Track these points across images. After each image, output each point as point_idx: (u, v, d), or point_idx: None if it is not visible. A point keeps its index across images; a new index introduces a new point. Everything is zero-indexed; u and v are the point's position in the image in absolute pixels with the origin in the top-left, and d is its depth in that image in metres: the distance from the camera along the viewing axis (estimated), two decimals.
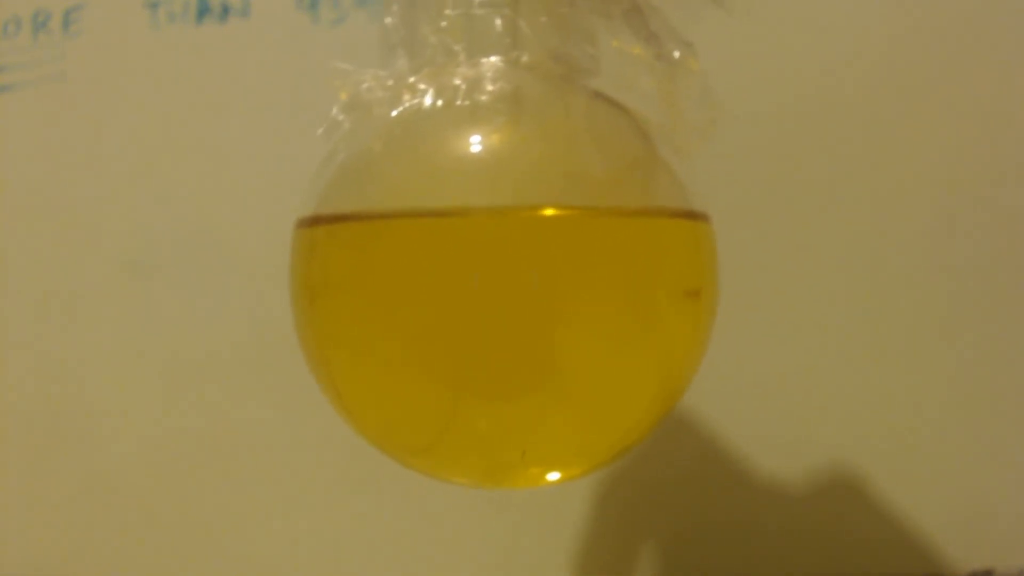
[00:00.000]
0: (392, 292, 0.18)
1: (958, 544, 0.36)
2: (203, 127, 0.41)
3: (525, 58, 0.18)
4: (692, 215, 0.19)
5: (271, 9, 0.41)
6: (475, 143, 0.18)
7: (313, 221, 0.20)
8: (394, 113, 0.19)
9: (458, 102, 0.18)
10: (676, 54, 0.18)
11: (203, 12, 0.41)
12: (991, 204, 0.36)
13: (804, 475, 0.37)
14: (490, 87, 0.18)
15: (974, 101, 0.37)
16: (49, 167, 0.42)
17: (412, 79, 0.19)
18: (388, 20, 0.19)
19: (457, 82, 0.18)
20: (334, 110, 0.19)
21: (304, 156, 0.39)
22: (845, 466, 0.37)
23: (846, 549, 0.37)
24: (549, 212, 0.18)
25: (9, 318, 0.42)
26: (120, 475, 0.41)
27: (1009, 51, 0.36)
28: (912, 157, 0.37)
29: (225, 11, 0.41)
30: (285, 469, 0.40)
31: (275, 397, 0.39)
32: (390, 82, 0.19)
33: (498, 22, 0.18)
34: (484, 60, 0.19)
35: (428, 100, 0.18)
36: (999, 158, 0.36)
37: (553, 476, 0.21)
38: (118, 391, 0.41)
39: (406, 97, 0.19)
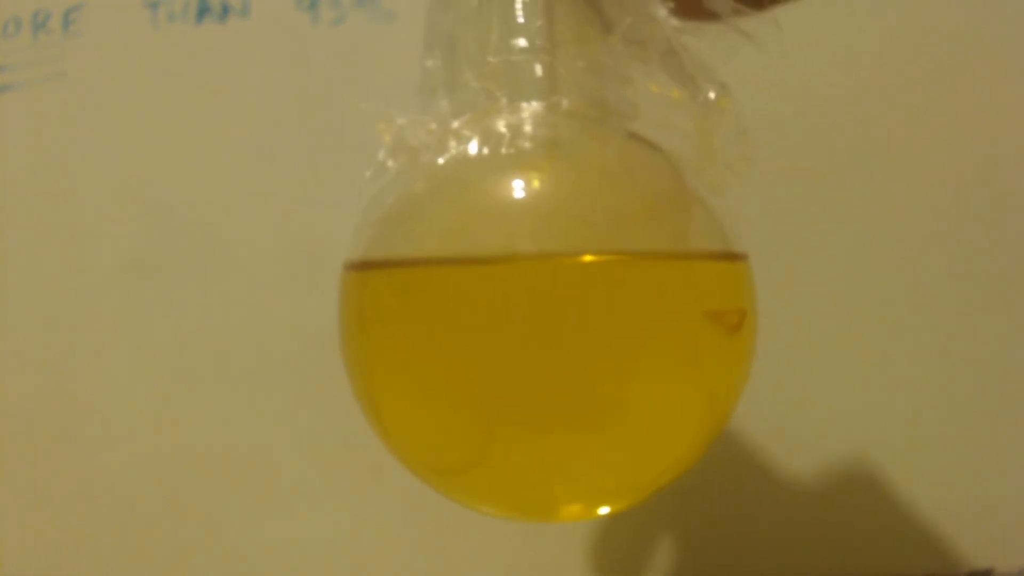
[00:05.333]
0: (439, 334, 0.19)
1: (958, 544, 0.37)
2: (203, 126, 0.41)
3: (565, 103, 0.19)
4: (731, 256, 0.20)
5: (271, 9, 0.41)
6: (518, 189, 0.19)
7: (364, 265, 0.20)
8: (441, 160, 0.19)
9: (503, 149, 0.19)
10: (711, 95, 0.18)
11: (203, 12, 0.41)
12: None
13: (809, 479, 0.37)
14: (532, 133, 0.18)
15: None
16: (49, 167, 0.42)
17: (456, 124, 0.19)
18: (429, 63, 0.19)
19: (502, 129, 0.18)
20: (380, 154, 0.19)
21: (304, 157, 0.40)
22: (848, 468, 0.37)
23: (847, 549, 0.37)
24: (591, 258, 0.18)
25: (9, 319, 0.42)
26: (121, 476, 0.41)
27: None
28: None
29: (225, 11, 0.41)
30: (289, 472, 0.40)
31: (277, 400, 0.40)
32: (433, 126, 0.19)
33: (538, 68, 0.19)
34: (525, 105, 0.19)
35: (473, 146, 0.19)
36: None
37: (599, 511, 0.21)
38: (119, 393, 0.41)
39: (451, 143, 0.19)
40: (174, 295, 0.40)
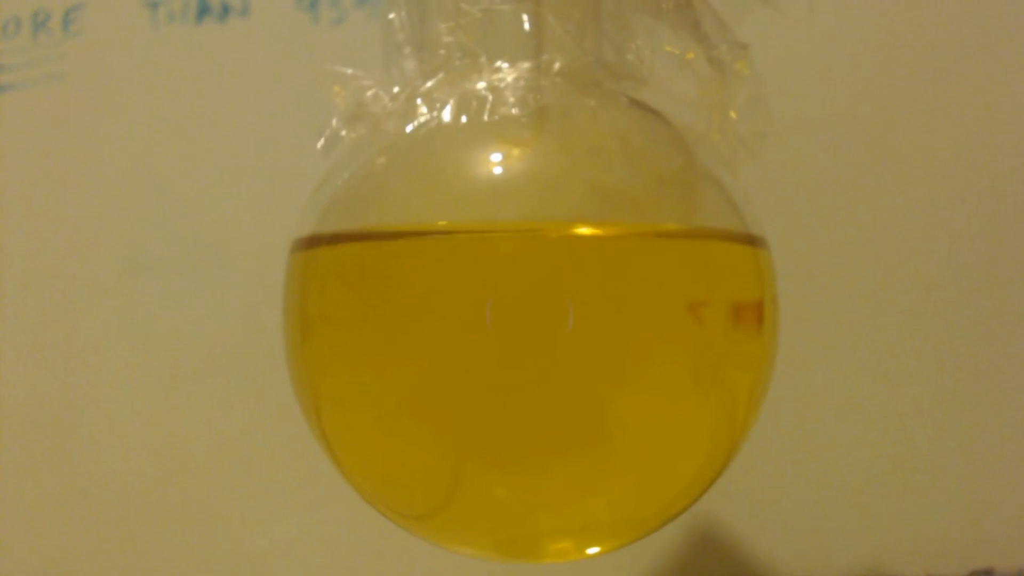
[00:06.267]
0: (396, 325, 0.16)
1: (958, 544, 0.36)
2: (203, 127, 0.40)
3: (557, 64, 0.16)
4: (749, 239, 0.17)
5: (271, 8, 0.40)
6: (500, 164, 0.16)
7: (311, 243, 0.17)
8: (409, 128, 0.16)
9: (485, 117, 0.15)
10: (728, 57, 0.15)
11: (203, 12, 0.41)
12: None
13: (808, 478, 0.37)
14: (518, 98, 0.15)
15: None
16: (49, 167, 0.42)
17: (428, 85, 0.16)
18: (392, 16, 0.16)
19: (483, 92, 0.15)
20: (334, 122, 0.17)
21: (305, 157, 0.39)
22: (846, 467, 0.37)
23: (847, 548, 0.37)
24: (584, 231, 0.15)
25: (7, 318, 0.41)
26: (117, 476, 0.40)
27: None
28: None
29: (225, 11, 0.41)
30: (285, 471, 0.39)
31: (274, 399, 0.39)
32: (396, 89, 0.16)
33: (525, 20, 0.16)
34: (510, 66, 0.16)
35: (448, 113, 0.16)
36: None
37: (588, 551, 0.18)
38: (115, 392, 0.40)
39: (422, 107, 0.16)
40: (174, 295, 0.40)
